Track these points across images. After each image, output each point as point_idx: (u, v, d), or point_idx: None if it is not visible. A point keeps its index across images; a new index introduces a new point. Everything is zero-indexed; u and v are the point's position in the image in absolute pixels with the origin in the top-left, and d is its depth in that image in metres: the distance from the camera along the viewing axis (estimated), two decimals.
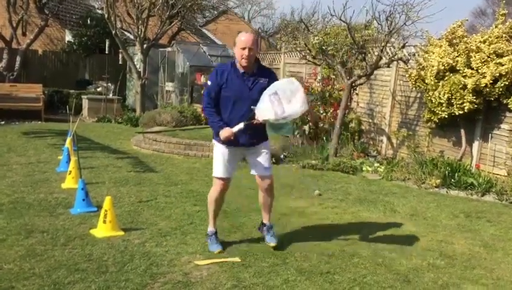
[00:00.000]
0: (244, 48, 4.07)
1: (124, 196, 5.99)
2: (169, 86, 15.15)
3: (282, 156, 8.85)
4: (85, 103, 14.14)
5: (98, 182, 6.59)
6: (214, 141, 4.36)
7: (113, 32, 12.71)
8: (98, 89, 15.37)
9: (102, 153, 8.72)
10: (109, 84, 14.99)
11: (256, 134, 4.27)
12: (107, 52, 14.41)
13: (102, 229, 4.58)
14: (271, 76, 4.29)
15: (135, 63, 13.98)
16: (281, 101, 3.94)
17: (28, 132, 10.66)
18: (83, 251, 4.19)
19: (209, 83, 4.24)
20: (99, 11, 16.96)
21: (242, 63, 4.13)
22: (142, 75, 13.67)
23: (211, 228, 4.45)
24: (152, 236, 4.62)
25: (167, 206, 5.63)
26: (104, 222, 4.58)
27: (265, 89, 4.07)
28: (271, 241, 4.45)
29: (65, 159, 7.19)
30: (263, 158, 4.33)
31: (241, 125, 4.07)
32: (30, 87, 13.86)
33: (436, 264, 4.38)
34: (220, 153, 4.28)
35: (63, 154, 7.37)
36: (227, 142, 4.19)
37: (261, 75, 4.22)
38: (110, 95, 14.56)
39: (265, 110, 3.98)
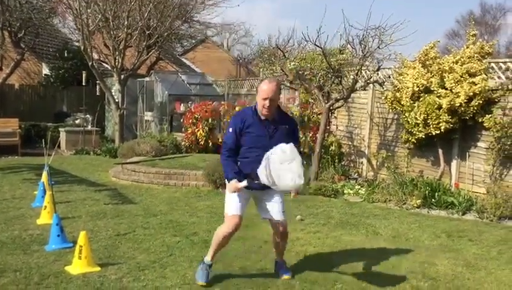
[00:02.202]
0: (265, 99, 4.03)
1: (101, 229, 5.84)
2: (148, 116, 15.09)
3: None
4: (63, 136, 13.96)
5: (74, 216, 6.43)
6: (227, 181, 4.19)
7: (90, 63, 12.64)
8: (77, 121, 15.20)
9: (79, 186, 8.55)
10: (87, 115, 14.85)
11: None
12: (84, 84, 14.31)
13: (78, 266, 4.44)
14: (290, 122, 4.30)
15: (113, 93, 13.90)
16: (271, 173, 3.72)
17: (3, 167, 10.43)
18: (57, 289, 4.04)
19: (230, 130, 4.16)
20: (76, 44, 16.89)
21: (263, 112, 4.09)
22: (120, 105, 13.58)
23: (208, 258, 4.29)
24: (129, 271, 4.48)
25: (146, 239, 5.51)
26: (79, 257, 4.44)
27: (286, 135, 4.06)
28: (286, 274, 4.40)
29: (41, 194, 7.02)
30: (276, 203, 4.23)
31: (244, 183, 3.97)
32: (6, 122, 13.64)
33: (420, 286, 4.33)
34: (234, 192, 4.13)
35: (39, 189, 7.21)
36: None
37: (282, 122, 4.19)
38: (89, 127, 14.42)
39: (261, 173, 3.81)
